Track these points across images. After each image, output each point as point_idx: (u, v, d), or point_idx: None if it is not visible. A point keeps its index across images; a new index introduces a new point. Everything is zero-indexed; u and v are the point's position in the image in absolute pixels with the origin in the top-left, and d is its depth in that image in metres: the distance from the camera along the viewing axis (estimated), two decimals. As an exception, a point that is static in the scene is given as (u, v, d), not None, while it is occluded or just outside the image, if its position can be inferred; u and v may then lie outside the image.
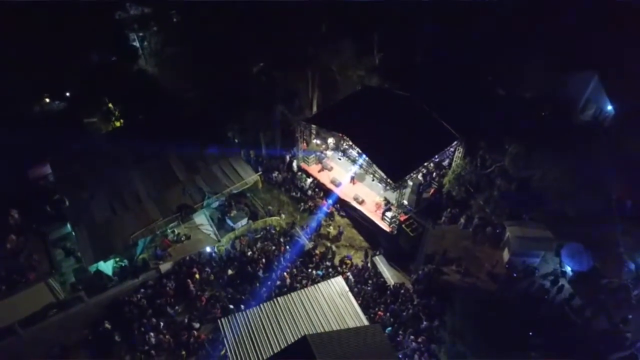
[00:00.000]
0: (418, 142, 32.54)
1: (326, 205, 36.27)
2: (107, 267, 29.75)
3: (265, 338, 24.58)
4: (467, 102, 34.24)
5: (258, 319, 25.53)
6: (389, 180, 30.63)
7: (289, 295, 26.91)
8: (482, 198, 32.84)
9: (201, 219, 33.55)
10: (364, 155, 32.62)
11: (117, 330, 28.25)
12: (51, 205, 30.09)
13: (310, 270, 32.29)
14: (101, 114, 38.78)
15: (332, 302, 26.74)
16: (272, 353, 23.69)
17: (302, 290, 27.31)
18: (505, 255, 32.35)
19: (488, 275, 31.93)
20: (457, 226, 34.84)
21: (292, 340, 23.99)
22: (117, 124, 38.09)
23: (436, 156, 33.07)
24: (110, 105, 38.63)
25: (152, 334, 28.09)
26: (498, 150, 32.52)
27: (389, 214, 33.13)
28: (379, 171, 31.33)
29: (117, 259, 30.17)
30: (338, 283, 27.91)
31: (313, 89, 41.92)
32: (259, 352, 23.94)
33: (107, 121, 38.49)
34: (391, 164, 30.93)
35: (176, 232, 32.23)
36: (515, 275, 31.43)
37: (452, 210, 34.58)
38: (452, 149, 34.37)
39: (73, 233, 29.33)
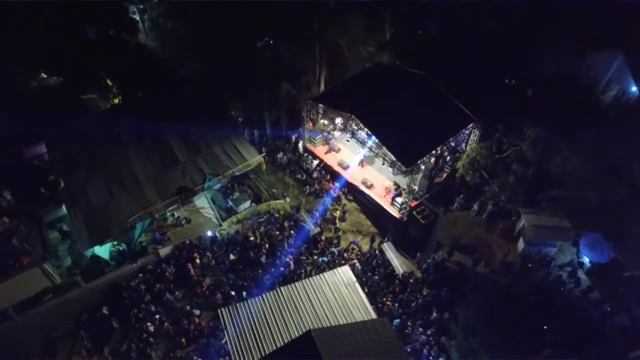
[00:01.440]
0: (432, 124, 30.59)
1: (333, 189, 34.77)
2: (104, 251, 28.63)
3: (268, 331, 23.41)
4: (484, 82, 32.29)
5: (260, 310, 24.32)
6: (400, 164, 28.92)
7: (292, 285, 25.66)
8: (497, 184, 31.15)
9: (202, 201, 32.17)
10: (373, 137, 30.80)
11: (115, 316, 27.42)
12: (46, 186, 28.74)
13: (315, 256, 31.07)
14: (99, 90, 37.08)
15: (338, 293, 25.47)
16: (274, 347, 22.54)
17: (307, 279, 26.04)
18: (520, 244, 30.86)
19: (501, 265, 30.54)
20: (469, 213, 33.33)
21: (296, 334, 22.88)
22: (116, 101, 36.46)
23: (451, 139, 31.21)
24: (108, 81, 36.90)
25: (150, 320, 27.21)
26: (516, 133, 30.64)
27: (399, 200, 31.58)
28: (390, 154, 29.58)
29: (115, 243, 28.99)
30: (344, 272, 26.59)
31: (320, 66, 39.96)
32: (260, 346, 22.80)
33: (105, 98, 36.83)
34: (403, 147, 29.14)
35: (176, 215, 30.88)
36: (530, 265, 29.98)
37: (465, 196, 32.96)
38: (467, 132, 32.47)
39: (68, 216, 28.07)
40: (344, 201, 34.87)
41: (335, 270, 26.72)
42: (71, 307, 27.66)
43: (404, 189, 31.87)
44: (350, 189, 35.00)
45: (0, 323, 25.59)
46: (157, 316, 27.51)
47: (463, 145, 33.79)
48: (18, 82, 35.03)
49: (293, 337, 22.67)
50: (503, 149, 31.97)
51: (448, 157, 34.07)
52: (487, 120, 31.61)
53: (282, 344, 22.47)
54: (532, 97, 32.21)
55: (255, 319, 23.99)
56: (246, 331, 23.60)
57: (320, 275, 26.40)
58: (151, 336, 26.91)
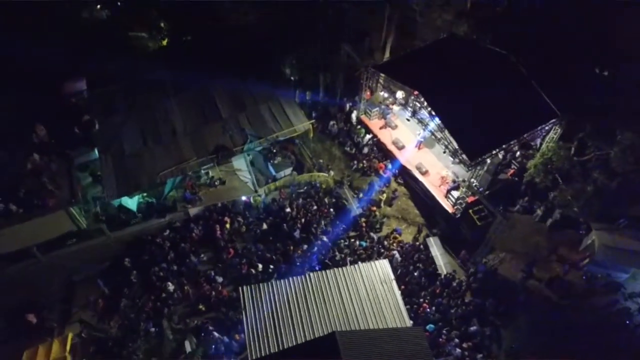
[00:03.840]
0: (507, 114, 26.48)
1: (384, 170, 31.61)
2: (132, 202, 27.21)
3: (289, 320, 21.35)
4: (575, 72, 27.60)
5: (284, 294, 22.23)
6: (463, 156, 25.30)
7: (323, 272, 23.30)
8: (571, 191, 27.13)
9: (240, 163, 29.90)
10: (437, 120, 27.09)
11: (135, 270, 26.22)
12: (80, 126, 27.21)
13: (352, 239, 28.49)
14: (150, 29, 34.81)
15: (372, 289, 22.94)
16: (293, 341, 20.51)
17: (340, 269, 23.58)
18: (585, 262, 27.04)
19: (560, 282, 26.93)
20: (531, 217, 29.56)
21: (319, 330, 20.84)
22: (164, 42, 34.17)
23: (527, 134, 27.05)
24: (161, 22, 34.47)
25: (171, 281, 25.82)
26: (604, 137, 26.29)
27: (455, 193, 28.11)
28: (453, 142, 25.93)
29: (144, 195, 27.45)
30: (382, 267, 23.93)
31: (388, 30, 35.85)
32: (279, 336, 20.85)
33: (154, 38, 34.57)
34: (470, 136, 25.35)
35: (210, 174, 28.82)
36: (593, 288, 26.29)
37: (530, 198, 29.07)
38: (547, 128, 28.09)
39: (99, 161, 26.59)
40: (393, 184, 31.73)
41: (372, 262, 24.13)
42: (94, 254, 26.77)
43: (462, 182, 28.29)
44: (402, 172, 31.69)
45: (23, 260, 25.17)
46: (179, 278, 26.10)
47: (538, 140, 29.44)
48: (70, 9, 33.21)
49: (315, 334, 20.65)
50: (585, 152, 27.68)
51: (518, 152, 29.87)
52: (572, 116, 27.19)
53: (303, 340, 20.39)
54: (632, 96, 27.26)
55: (278, 305, 21.95)
56: (266, 316, 21.64)
57: (355, 266, 23.88)
58: (170, 297, 25.63)
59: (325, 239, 27.66)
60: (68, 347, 22.87)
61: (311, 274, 23.14)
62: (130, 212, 27.22)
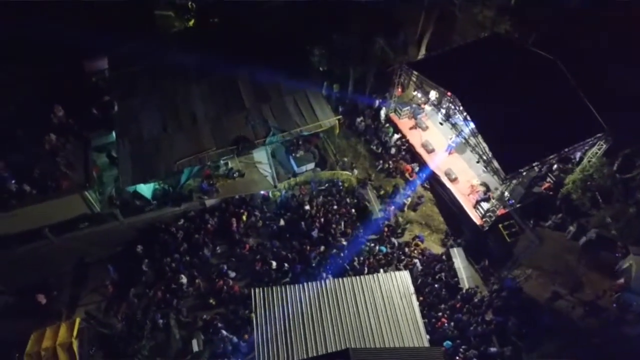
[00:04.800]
0: (549, 124, 24.56)
1: (410, 172, 30.06)
2: (147, 189, 26.37)
3: (301, 329, 20.37)
4: (627, 82, 25.58)
5: (298, 300, 21.23)
6: (498, 168, 23.62)
7: (340, 280, 22.17)
8: (610, 211, 25.38)
9: (261, 155, 28.72)
10: (472, 125, 25.39)
11: (147, 259, 25.53)
12: (99, 107, 26.34)
13: (372, 243, 27.26)
14: (178, 8, 33.51)
15: (390, 302, 21.75)
16: (305, 352, 19.52)
17: (358, 277, 22.43)
18: (619, 287, 25.31)
19: (589, 306, 25.28)
20: (564, 235, 27.78)
21: (332, 344, 19.85)
22: (191, 23, 32.85)
23: (569, 148, 25.14)
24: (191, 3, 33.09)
25: (183, 272, 25.11)
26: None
27: (484, 205, 26.50)
28: (488, 152, 24.25)
29: (160, 182, 26.57)
30: (402, 279, 22.69)
31: (425, 24, 33.87)
32: (289, 344, 19.88)
33: (181, 18, 33.29)
34: (507, 146, 23.59)
35: (229, 165, 27.74)
36: (625, 316, 24.60)
37: (564, 215, 27.29)
38: (590, 142, 26.11)
39: (116, 144, 25.73)
40: (419, 189, 30.22)
41: (392, 273, 22.90)
42: (106, 238, 26.15)
43: (492, 193, 26.66)
44: (429, 177, 30.13)
45: (36, 241, 24.67)
46: (191, 270, 25.35)
47: (578, 154, 27.46)
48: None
49: (328, 346, 19.66)
50: (630, 170, 25.75)
51: (555, 165, 27.99)
52: (619, 132, 25.21)
53: (314, 351, 19.44)
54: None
55: (290, 310, 20.98)
56: (277, 321, 20.70)
57: (374, 275, 22.68)
58: (180, 289, 24.91)
59: (344, 241, 26.49)
60: (75, 333, 22.34)
61: (327, 281, 22.08)
62: (145, 199, 26.37)
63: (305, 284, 21.88)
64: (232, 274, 25.85)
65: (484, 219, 26.51)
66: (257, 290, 21.68)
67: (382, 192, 29.95)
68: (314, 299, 21.33)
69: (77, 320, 23.09)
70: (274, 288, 21.73)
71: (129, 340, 22.17)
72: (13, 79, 26.03)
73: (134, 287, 25.15)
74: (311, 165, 30.13)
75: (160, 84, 27.32)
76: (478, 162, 26.38)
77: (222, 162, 27.23)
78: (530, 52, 27.75)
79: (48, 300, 24.95)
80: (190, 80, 27.72)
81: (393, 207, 28.85)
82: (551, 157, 24.93)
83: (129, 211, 26.16)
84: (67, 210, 24.95)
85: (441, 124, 30.00)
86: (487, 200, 26.70)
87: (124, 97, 26.54)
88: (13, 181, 22.98)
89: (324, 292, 21.61)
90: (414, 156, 31.02)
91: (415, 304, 22.13)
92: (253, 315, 21.26)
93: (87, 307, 25.02)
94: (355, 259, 25.98)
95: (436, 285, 25.68)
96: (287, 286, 21.81)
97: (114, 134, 26.08)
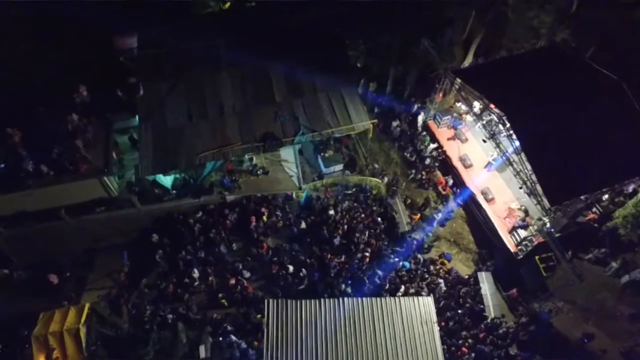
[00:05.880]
0: (606, 154, 22.38)
1: (444, 185, 28.17)
2: (166, 179, 25.36)
3: (314, 349, 19.15)
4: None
5: (313, 319, 19.93)
6: (543, 199, 21.61)
7: (358, 300, 20.78)
8: (662, 252, 23.22)
9: (288, 153, 27.36)
10: (517, 144, 23.32)
11: (161, 249, 24.58)
12: (124, 89, 25.22)
13: (395, 257, 25.78)
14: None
15: (410, 330, 20.29)
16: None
17: (377, 300, 20.94)
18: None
19: (623, 355, 23.36)
20: (604, 270, 25.76)
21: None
22: (227, 5, 31.13)
23: (626, 182, 22.89)
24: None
25: (197, 267, 24.16)
26: None
27: (521, 232, 24.60)
28: (534, 179, 22.19)
29: (181, 173, 25.54)
30: (425, 305, 21.15)
31: (474, 26, 31.30)
32: (299, 366, 18.72)
33: (219, -1, 31.67)
34: (556, 174, 21.56)
35: (254, 161, 26.48)
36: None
37: (608, 250, 25.22)
38: (649, 175, 23.79)
39: (139, 129, 24.66)
40: (451, 202, 28.43)
41: (415, 298, 21.35)
42: (121, 224, 25.40)
43: (531, 219, 24.70)
44: (468, 198, 28.17)
45: (50, 220, 24.02)
46: (205, 267, 24.41)
47: (631, 186, 25.13)
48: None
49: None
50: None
51: (606, 196, 25.73)
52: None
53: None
54: None
55: (304, 327, 19.74)
56: (289, 337, 19.52)
57: (396, 299, 21.25)
58: (192, 284, 24.02)
59: (367, 253, 25.11)
60: (83, 319, 21.73)
61: (345, 300, 20.70)
62: (164, 189, 25.45)
63: (321, 300, 20.59)
64: (247, 274, 24.83)
65: (519, 247, 24.65)
66: (270, 301, 20.49)
67: (409, 201, 28.40)
68: (329, 317, 20.04)
69: (86, 306, 22.48)
70: (288, 301, 20.49)
71: (134, 343, 21.42)
72: (39, 53, 25.00)
73: (146, 277, 24.55)
74: (339, 167, 28.70)
75: (189, 69, 25.84)
76: (521, 187, 24.33)
77: (246, 156, 25.97)
78: (591, 69, 25.30)
79: (60, 280, 24.48)
80: (220, 68, 26.15)
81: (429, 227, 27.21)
82: (605, 190, 22.74)
83: (147, 199, 25.25)
84: (84, 193, 24.19)
85: (484, 141, 27.81)
86: (525, 227, 24.76)
87: (150, 81, 25.22)
88: (30, 161, 22.20)
89: (341, 311, 20.28)
90: (448, 169, 29.10)
91: (437, 333, 20.66)
92: (264, 325, 20.16)
93: (97, 293, 24.50)
94: (377, 272, 24.66)
95: (460, 311, 24.18)
96: (303, 301, 20.53)
97: (137, 118, 24.96)
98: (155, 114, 24.69)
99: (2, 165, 22.27)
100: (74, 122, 23.34)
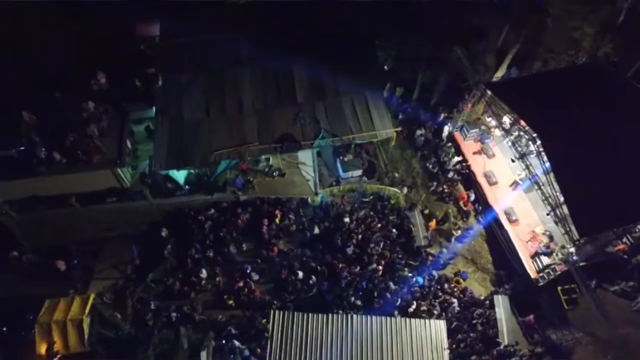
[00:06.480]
0: (640, 189, 20.96)
1: (466, 200, 27.02)
2: (180, 174, 24.84)
3: (317, 370, 18.49)
4: None
5: (319, 334, 19.28)
6: (572, 228, 20.34)
7: (367, 318, 19.99)
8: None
9: (306, 155, 26.52)
10: (547, 165, 21.97)
11: (169, 245, 24.37)
12: (142, 79, 24.58)
13: (409, 271, 24.86)
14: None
15: (419, 353, 19.48)
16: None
17: (388, 320, 20.12)
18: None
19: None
20: (629, 304, 24.41)
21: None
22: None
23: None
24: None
25: (205, 267, 23.80)
26: None
27: (544, 259, 23.35)
28: (562, 206, 20.87)
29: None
30: (437, 329, 20.29)
31: (514, 35, 29.57)
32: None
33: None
34: (587, 204, 20.15)
35: (270, 162, 25.71)
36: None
37: (637, 284, 23.87)
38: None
39: (155, 121, 24.06)
40: (471, 219, 27.27)
41: (427, 321, 20.48)
42: (132, 216, 25.22)
43: (556, 246, 23.43)
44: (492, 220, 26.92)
45: (62, 207, 23.87)
46: (214, 265, 24.03)
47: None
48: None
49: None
50: None
51: (638, 227, 24.27)
52: None
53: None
54: None
55: (309, 342, 19.13)
56: (293, 352, 18.94)
57: (406, 320, 20.34)
58: (199, 283, 23.67)
59: (380, 266, 24.26)
60: (87, 310, 21.51)
61: (354, 317, 19.98)
62: (177, 184, 24.94)
63: (329, 315, 19.89)
64: (255, 277, 24.34)
65: (540, 274, 23.43)
66: (276, 313, 19.86)
67: (426, 211, 27.38)
68: (336, 334, 19.35)
69: (91, 297, 22.30)
70: (294, 314, 19.87)
71: (134, 345, 21.06)
72: (58, 37, 24.50)
73: (153, 271, 24.24)
74: (358, 172, 27.84)
75: (210, 62, 25.12)
76: (548, 214, 23.00)
77: (263, 157, 25.24)
78: (634, 90, 23.70)
79: (67, 267, 24.44)
80: (242, 62, 25.34)
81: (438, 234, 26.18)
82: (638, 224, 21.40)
83: (159, 192, 24.80)
84: (96, 182, 23.89)
85: (513, 161, 26.38)
86: (548, 254, 23.48)
87: (170, 72, 24.62)
88: (43, 148, 21.85)
89: (349, 328, 19.56)
90: (471, 184, 27.87)
91: (446, 357, 19.82)
92: (268, 337, 19.55)
93: (104, 283, 24.44)
94: (390, 285, 23.83)
95: (472, 334, 23.20)
96: (310, 315, 19.85)
97: (154, 109, 24.36)
98: (173, 107, 24.13)
99: (15, 151, 21.90)
100: (90, 110, 22.88)
